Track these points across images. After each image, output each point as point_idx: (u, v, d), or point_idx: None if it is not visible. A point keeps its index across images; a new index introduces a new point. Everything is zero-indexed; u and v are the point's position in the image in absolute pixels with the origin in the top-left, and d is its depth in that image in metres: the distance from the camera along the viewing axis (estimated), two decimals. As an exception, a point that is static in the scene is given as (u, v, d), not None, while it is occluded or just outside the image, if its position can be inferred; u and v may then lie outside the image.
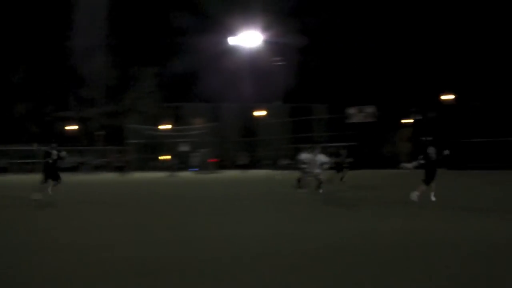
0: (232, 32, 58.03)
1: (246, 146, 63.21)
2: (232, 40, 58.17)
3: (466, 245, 7.91)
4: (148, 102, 64.30)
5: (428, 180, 14.47)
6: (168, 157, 53.63)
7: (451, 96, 55.83)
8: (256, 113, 66.83)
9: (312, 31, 59.32)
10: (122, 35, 60.21)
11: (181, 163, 48.88)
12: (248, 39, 58.65)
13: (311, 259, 7.06)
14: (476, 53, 52.91)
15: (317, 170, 19.17)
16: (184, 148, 56.24)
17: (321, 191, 18.78)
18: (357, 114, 56.72)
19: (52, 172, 17.66)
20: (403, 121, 61.23)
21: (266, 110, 65.88)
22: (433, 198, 14.36)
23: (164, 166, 51.86)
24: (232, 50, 59.78)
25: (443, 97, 56.25)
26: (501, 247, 7.78)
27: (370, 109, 56.06)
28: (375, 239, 8.38)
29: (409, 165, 15.01)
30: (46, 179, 17.70)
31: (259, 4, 58.13)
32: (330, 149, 29.99)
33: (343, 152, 25.24)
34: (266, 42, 58.78)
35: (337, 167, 24.29)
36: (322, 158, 19.47)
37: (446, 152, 14.30)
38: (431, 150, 14.23)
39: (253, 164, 57.53)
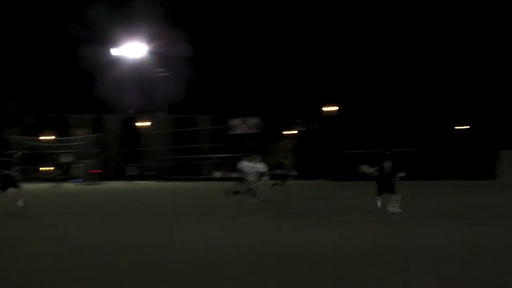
0: (116, 43, 57.42)
1: (131, 157, 62.49)
2: (115, 51, 57.57)
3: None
4: (29, 113, 61.71)
5: (380, 191, 14.89)
6: (51, 168, 51.96)
7: (334, 108, 57.45)
8: (140, 124, 66.35)
9: (196, 42, 59.82)
10: (5, 44, 57.39)
11: (63, 174, 47.58)
12: (132, 50, 58.33)
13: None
14: (358, 65, 54.54)
15: (253, 179, 18.83)
16: (66, 159, 54.68)
17: (254, 201, 18.39)
18: (240, 125, 57.75)
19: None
20: (286, 132, 62.60)
21: (150, 121, 65.63)
22: (393, 209, 14.51)
23: (46, 177, 50.21)
24: (116, 61, 59.08)
25: (326, 109, 57.82)
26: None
27: (253, 120, 57.21)
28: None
29: (367, 170, 15.10)
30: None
31: (143, 16, 57.96)
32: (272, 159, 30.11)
33: (287, 162, 25.10)
34: (151, 53, 58.76)
35: (282, 177, 24.12)
36: (261, 167, 19.17)
37: (402, 173, 14.52)
38: (387, 165, 14.53)
39: (142, 175, 57.06)
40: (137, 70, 58.92)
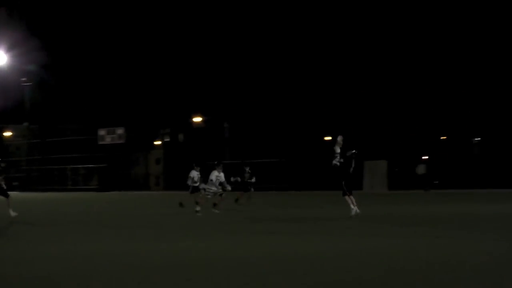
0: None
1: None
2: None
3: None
4: None
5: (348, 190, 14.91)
6: None
7: (201, 119, 57.77)
8: (4, 134, 63.66)
9: (61, 51, 58.35)
10: None
11: None
12: (-9, 58, 55.79)
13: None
14: (224, 75, 55.17)
15: (215, 189, 18.68)
16: None
17: (217, 211, 18.35)
18: (107, 136, 57.13)
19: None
20: (154, 142, 62.48)
21: (12, 131, 63.16)
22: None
23: None
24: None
25: (194, 119, 58.13)
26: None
27: (119, 131, 56.78)
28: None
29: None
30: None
31: (3, 23, 55.71)
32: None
33: (248, 171, 24.51)
34: (12, 61, 56.56)
35: (243, 187, 23.90)
36: (223, 177, 18.88)
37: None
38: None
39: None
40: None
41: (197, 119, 58.46)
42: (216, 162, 19.12)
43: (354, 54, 50.54)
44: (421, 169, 40.76)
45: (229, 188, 18.98)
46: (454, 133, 45.13)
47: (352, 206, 14.84)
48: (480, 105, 43.71)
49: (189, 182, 20.40)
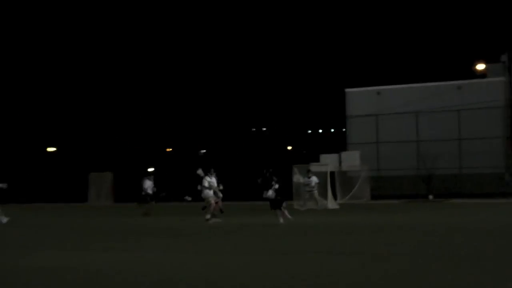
0: None
1: None
2: None
3: None
4: None
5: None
6: None
7: None
8: None
9: None
10: None
11: None
12: None
13: None
14: None
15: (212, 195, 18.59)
16: None
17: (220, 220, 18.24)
18: None
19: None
20: None
21: None
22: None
23: None
24: None
25: None
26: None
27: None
28: None
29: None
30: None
31: None
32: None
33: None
34: None
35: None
36: (215, 182, 18.90)
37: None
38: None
39: None
40: None
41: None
42: (210, 169, 19.24)
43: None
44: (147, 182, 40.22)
45: (220, 194, 19.01)
46: (180, 145, 45.68)
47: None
48: (207, 119, 45.24)
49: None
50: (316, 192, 26.35)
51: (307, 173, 26.61)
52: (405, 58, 56.38)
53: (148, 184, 23.89)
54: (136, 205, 33.80)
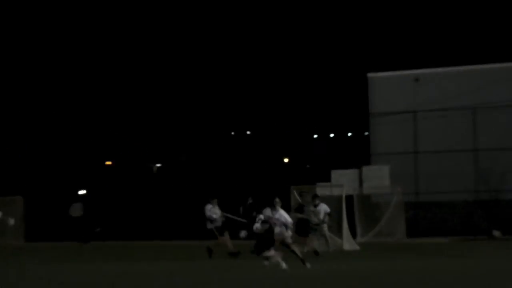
0: None
1: None
2: None
3: None
4: None
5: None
6: None
7: None
8: None
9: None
10: None
11: None
12: None
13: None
14: None
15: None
16: None
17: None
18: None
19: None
20: None
21: None
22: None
23: None
24: None
25: None
26: None
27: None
28: None
29: None
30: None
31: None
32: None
33: None
34: None
35: None
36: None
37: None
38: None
39: None
40: None
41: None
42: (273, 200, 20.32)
43: None
44: (76, 210, 40.47)
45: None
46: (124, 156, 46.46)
47: None
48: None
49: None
50: (326, 227, 26.22)
51: (313, 200, 26.26)
52: (453, 32, 55.49)
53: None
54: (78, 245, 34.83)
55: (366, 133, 42.08)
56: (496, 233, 33.62)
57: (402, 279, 15.12)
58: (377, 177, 33.15)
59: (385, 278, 15.25)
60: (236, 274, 18.35)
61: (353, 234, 30.01)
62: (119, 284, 16.30)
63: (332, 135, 53.93)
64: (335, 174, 32.31)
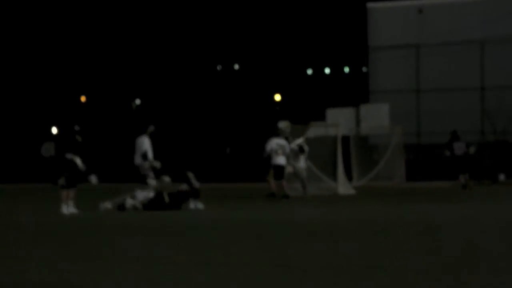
0: None
1: None
2: None
3: None
4: None
5: None
6: None
7: None
8: None
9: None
10: None
11: None
12: None
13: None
14: None
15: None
16: None
17: None
18: None
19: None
20: None
21: None
22: None
23: None
24: None
25: None
26: None
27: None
28: None
29: None
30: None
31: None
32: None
33: None
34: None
35: None
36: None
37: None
38: None
39: None
40: None
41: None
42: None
43: None
44: (48, 150, 39.80)
45: None
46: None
47: None
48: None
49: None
50: (301, 167, 25.30)
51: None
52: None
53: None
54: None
55: (365, 69, 42.11)
56: (502, 176, 34.03)
57: (393, 226, 14.18)
58: (376, 116, 32.93)
59: (385, 226, 14.54)
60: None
61: (349, 177, 29.64)
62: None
63: (327, 70, 53.47)
64: (331, 113, 32.08)
